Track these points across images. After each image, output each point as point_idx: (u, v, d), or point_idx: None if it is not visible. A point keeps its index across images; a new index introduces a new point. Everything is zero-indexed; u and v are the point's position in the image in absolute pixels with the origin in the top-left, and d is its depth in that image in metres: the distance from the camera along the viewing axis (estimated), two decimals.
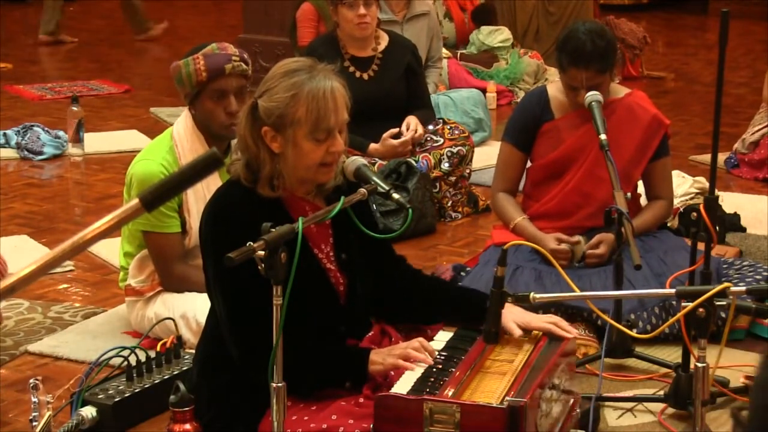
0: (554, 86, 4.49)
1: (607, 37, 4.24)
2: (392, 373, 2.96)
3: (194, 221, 3.87)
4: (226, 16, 12.50)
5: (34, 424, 3.10)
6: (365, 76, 5.57)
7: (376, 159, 5.44)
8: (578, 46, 4.17)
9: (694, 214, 3.44)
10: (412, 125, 5.54)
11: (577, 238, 4.29)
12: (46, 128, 6.86)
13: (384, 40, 5.66)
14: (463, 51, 8.52)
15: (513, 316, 3.12)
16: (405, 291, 3.27)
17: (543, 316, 3.22)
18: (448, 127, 5.70)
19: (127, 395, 3.48)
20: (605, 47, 4.19)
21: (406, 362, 2.94)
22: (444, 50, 7.33)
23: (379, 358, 2.97)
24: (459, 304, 3.24)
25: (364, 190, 3.00)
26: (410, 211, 3.07)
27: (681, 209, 5.01)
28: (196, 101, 3.94)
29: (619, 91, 4.45)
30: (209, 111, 3.91)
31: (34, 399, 3.12)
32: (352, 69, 5.53)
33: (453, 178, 5.60)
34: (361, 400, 2.93)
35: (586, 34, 4.18)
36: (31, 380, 3.15)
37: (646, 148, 4.37)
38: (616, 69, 4.42)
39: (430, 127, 5.69)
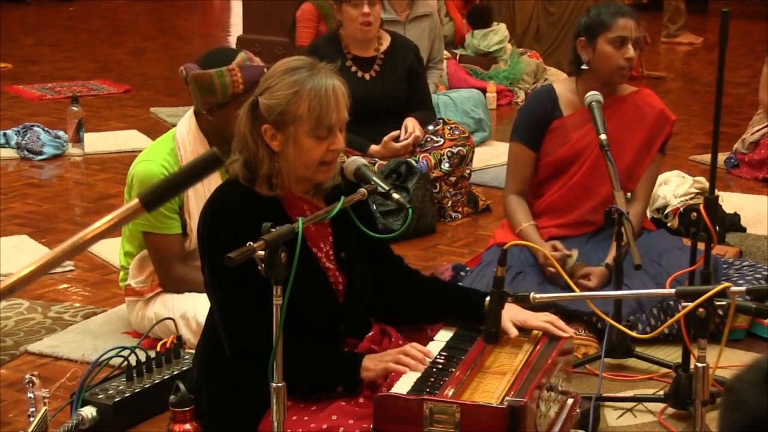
0: (561, 84, 4.50)
1: None
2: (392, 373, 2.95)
3: (195, 224, 3.85)
4: (226, 16, 12.50)
5: (32, 419, 3.10)
6: (367, 76, 5.57)
7: (377, 159, 5.44)
8: (612, 5, 4.32)
9: (694, 214, 3.44)
10: (410, 127, 5.54)
11: (571, 252, 4.26)
12: (46, 128, 6.85)
13: (386, 41, 5.65)
14: (461, 52, 8.51)
15: (510, 315, 3.10)
16: (403, 291, 3.26)
17: (540, 314, 3.20)
18: (448, 128, 5.70)
19: (127, 395, 3.48)
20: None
21: (399, 366, 2.93)
22: (444, 51, 7.33)
23: (372, 363, 2.96)
24: (458, 304, 3.23)
25: (364, 190, 3.00)
26: (410, 211, 3.06)
27: (681, 209, 5.01)
28: (217, 110, 3.89)
29: (626, 88, 4.46)
30: (234, 119, 3.86)
31: (29, 394, 3.13)
32: (354, 69, 5.52)
33: (453, 179, 5.59)
34: (361, 400, 2.93)
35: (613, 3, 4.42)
36: (27, 375, 3.15)
37: (651, 144, 4.38)
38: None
39: (430, 127, 5.69)
